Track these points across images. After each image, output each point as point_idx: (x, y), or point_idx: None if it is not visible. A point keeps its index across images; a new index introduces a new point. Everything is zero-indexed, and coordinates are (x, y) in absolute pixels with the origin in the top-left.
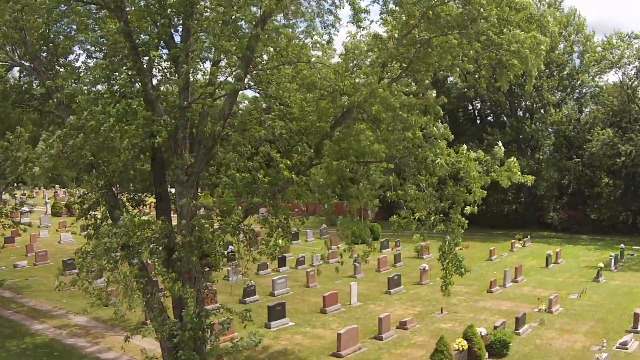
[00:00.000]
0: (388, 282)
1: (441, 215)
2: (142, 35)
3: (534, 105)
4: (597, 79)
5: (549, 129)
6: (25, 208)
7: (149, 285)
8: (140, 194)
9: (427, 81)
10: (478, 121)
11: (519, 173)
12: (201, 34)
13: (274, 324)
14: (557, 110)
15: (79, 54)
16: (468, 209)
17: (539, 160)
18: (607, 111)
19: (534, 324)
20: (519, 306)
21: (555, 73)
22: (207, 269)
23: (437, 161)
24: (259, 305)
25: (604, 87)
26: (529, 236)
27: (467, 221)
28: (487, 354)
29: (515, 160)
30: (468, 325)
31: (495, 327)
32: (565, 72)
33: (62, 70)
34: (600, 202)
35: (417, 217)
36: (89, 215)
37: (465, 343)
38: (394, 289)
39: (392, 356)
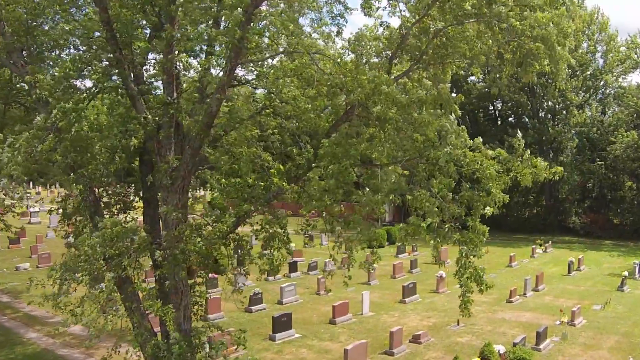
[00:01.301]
0: (403, 291)
1: (456, 222)
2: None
3: (557, 107)
4: (620, 79)
5: (572, 131)
6: (35, 208)
7: (129, 301)
8: (127, 199)
9: (444, 77)
10: (499, 122)
11: (544, 169)
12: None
13: (279, 336)
14: (581, 111)
15: (66, 47)
16: (488, 210)
17: (561, 163)
18: (631, 112)
19: (555, 339)
20: (539, 318)
21: (578, 73)
22: (197, 282)
23: (445, 156)
24: (266, 314)
25: (628, 88)
26: (550, 241)
27: (487, 228)
28: None
29: (539, 159)
30: (486, 343)
31: (514, 344)
32: (589, 73)
33: (44, 64)
34: (624, 207)
35: (428, 225)
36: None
37: None
38: (409, 297)
39: None
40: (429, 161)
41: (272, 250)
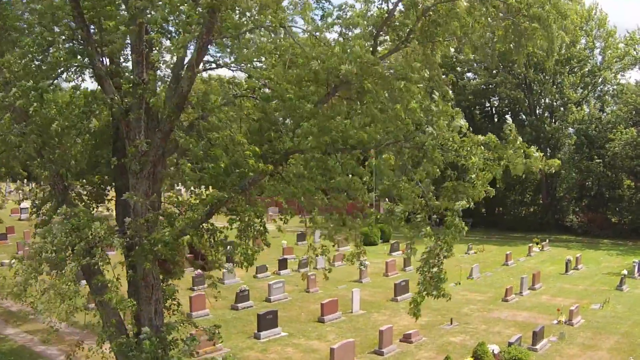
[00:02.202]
0: (395, 289)
1: (434, 215)
2: None
3: (555, 103)
4: (619, 76)
5: (570, 128)
6: (26, 204)
7: (97, 293)
8: (101, 189)
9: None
10: (496, 119)
11: (539, 160)
12: None
13: (264, 334)
14: (579, 108)
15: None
16: (462, 204)
17: (559, 160)
18: (630, 110)
19: (552, 339)
20: (536, 317)
21: (576, 70)
22: (169, 275)
23: (430, 140)
24: (252, 312)
25: (626, 85)
26: (547, 240)
27: (467, 227)
28: None
29: (533, 148)
30: (479, 342)
31: (509, 344)
32: (587, 69)
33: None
34: (622, 205)
35: (401, 213)
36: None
37: None
38: (402, 295)
39: None
40: (414, 145)
41: (247, 240)
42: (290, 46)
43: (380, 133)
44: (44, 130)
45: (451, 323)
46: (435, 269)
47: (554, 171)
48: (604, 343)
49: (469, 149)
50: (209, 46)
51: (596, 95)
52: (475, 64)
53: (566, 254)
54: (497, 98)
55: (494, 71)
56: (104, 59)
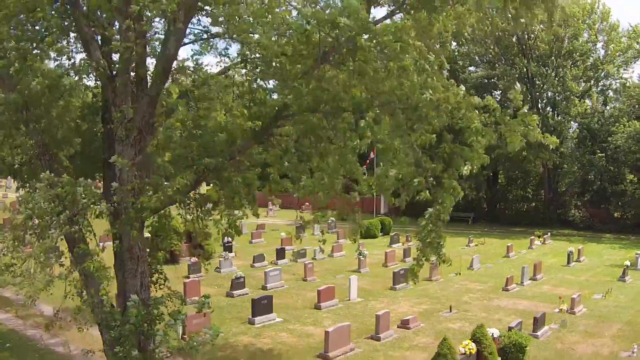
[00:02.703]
0: (393, 277)
1: (430, 178)
2: None
3: (557, 97)
4: (622, 70)
5: (572, 122)
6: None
7: (79, 263)
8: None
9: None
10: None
11: (539, 130)
12: None
13: (259, 320)
14: (582, 101)
15: None
16: (465, 169)
17: (561, 154)
18: (633, 103)
19: (554, 326)
20: (537, 306)
21: (579, 63)
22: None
23: (424, 96)
24: (248, 299)
25: (629, 80)
26: (549, 233)
27: (463, 192)
28: (499, 359)
29: (535, 116)
30: (478, 325)
31: (509, 329)
32: (590, 62)
33: None
34: (625, 200)
35: (396, 176)
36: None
37: (473, 346)
38: (400, 284)
39: (388, 359)
40: (408, 107)
41: (232, 210)
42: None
43: (373, 93)
44: (30, 101)
45: (450, 310)
46: (434, 235)
47: (552, 147)
48: (606, 331)
49: (464, 110)
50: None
51: (599, 89)
52: (476, 57)
53: (568, 247)
54: (499, 92)
55: (496, 64)
56: (90, 23)
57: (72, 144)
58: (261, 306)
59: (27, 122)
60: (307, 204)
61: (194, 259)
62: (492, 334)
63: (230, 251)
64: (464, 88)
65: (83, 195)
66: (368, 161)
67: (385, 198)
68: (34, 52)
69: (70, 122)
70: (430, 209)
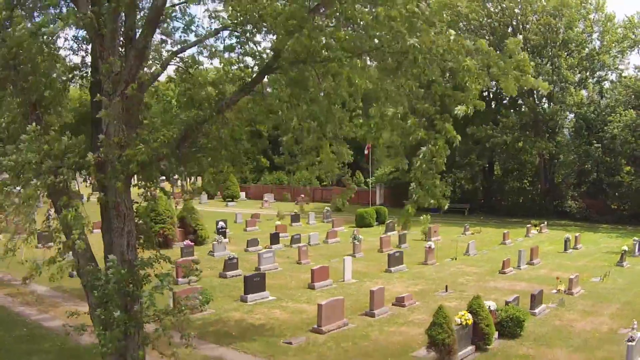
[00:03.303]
0: (388, 259)
1: (423, 120)
2: None
3: (552, 87)
4: (617, 60)
5: (567, 112)
6: None
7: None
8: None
9: None
10: (493, 104)
11: (531, 75)
12: None
13: (251, 297)
14: (577, 89)
15: None
16: (460, 109)
17: (557, 143)
18: (629, 93)
19: (552, 305)
20: (534, 287)
21: (574, 54)
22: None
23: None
24: (241, 279)
25: (625, 71)
26: (545, 222)
27: (458, 137)
28: (496, 333)
29: (531, 63)
30: (474, 296)
31: (506, 303)
32: (585, 53)
33: None
34: (622, 191)
35: (393, 115)
36: None
37: (469, 317)
38: (395, 267)
39: (383, 334)
40: (397, 52)
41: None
42: None
43: (361, 40)
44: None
45: (446, 290)
46: (430, 182)
47: (544, 93)
48: (605, 310)
49: (457, 51)
50: None
51: (595, 80)
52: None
53: (565, 235)
54: (493, 82)
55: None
56: None
57: (61, 105)
58: (253, 283)
59: (15, 81)
60: (302, 195)
61: (187, 242)
62: (489, 306)
63: (225, 237)
64: (454, 32)
65: (67, 146)
66: (367, 152)
67: (379, 152)
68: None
69: (56, 80)
70: (423, 148)
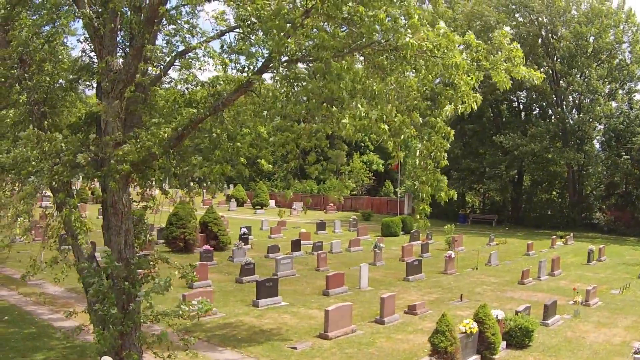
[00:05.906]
0: (407, 268)
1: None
2: None
3: (582, 97)
4: None
5: (596, 123)
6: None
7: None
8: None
9: None
10: (523, 115)
11: (522, 66)
12: None
13: (263, 302)
14: (607, 100)
15: None
16: (449, 109)
17: (586, 153)
18: None
19: (566, 316)
20: (552, 299)
21: (604, 65)
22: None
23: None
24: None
25: None
26: (571, 234)
27: (452, 131)
28: (504, 342)
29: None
30: (481, 305)
31: (516, 312)
32: (615, 63)
33: None
34: None
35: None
36: None
37: (474, 325)
38: (413, 275)
39: (390, 341)
40: (388, 49)
41: (213, 163)
42: None
43: (352, 37)
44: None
45: (461, 299)
46: (432, 176)
47: (538, 82)
48: (620, 322)
49: (446, 47)
50: None
51: (625, 91)
52: None
53: (588, 247)
54: (524, 92)
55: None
56: None
57: (67, 104)
58: (265, 288)
59: (20, 80)
60: (331, 204)
61: (206, 247)
62: (497, 315)
63: (247, 243)
64: (444, 25)
65: (63, 144)
66: (395, 165)
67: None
68: None
69: (60, 77)
70: (419, 145)
